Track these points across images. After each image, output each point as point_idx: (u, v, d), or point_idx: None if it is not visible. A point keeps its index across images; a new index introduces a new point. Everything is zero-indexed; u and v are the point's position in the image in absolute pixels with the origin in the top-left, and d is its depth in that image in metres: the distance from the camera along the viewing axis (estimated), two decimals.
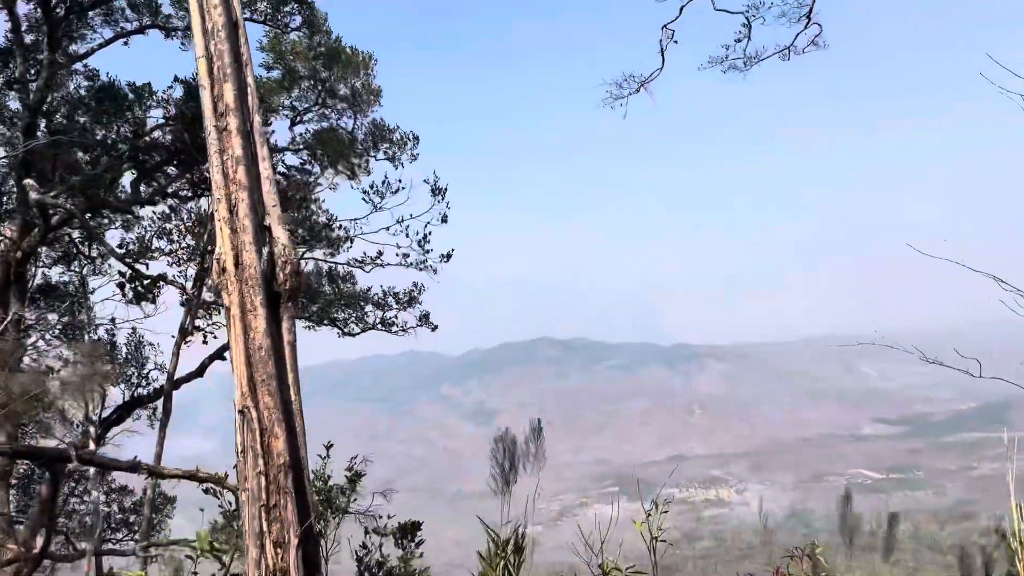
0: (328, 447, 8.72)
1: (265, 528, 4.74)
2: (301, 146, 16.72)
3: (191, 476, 13.04)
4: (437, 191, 16.29)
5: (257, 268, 5.06)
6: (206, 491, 8.83)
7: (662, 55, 16.44)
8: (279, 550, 4.74)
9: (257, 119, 5.38)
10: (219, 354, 17.77)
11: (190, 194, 16.61)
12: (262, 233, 5.22)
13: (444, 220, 16.87)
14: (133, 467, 13.55)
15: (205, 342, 16.79)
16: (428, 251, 16.19)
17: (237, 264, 5.05)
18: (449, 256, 16.59)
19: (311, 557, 4.94)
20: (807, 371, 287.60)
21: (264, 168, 5.33)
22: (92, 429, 13.48)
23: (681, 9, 16.14)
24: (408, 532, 9.14)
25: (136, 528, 17.48)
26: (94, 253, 16.80)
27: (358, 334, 19.53)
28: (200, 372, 17.76)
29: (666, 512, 5.68)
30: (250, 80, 5.42)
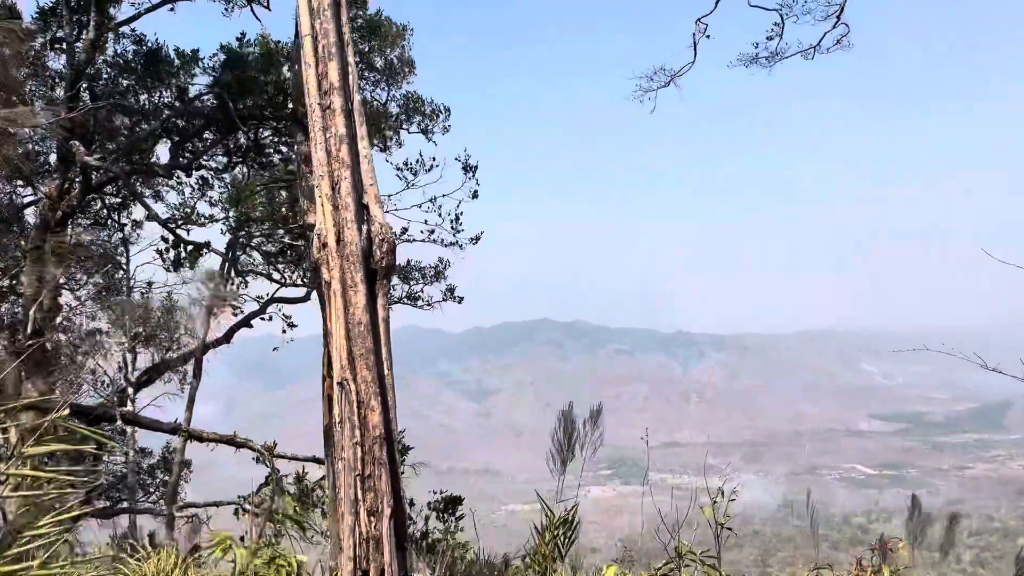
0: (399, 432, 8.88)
1: (360, 496, 4.90)
2: None
3: (229, 441, 13.29)
4: (468, 168, 16.33)
5: (358, 245, 5.19)
6: (257, 460, 8.99)
7: (694, 48, 16.45)
8: (373, 518, 4.91)
9: (357, 98, 5.49)
10: (246, 322, 17.93)
11: (226, 162, 16.69)
12: (361, 211, 5.34)
13: (475, 196, 16.90)
14: (174, 429, 13.79)
15: (235, 314, 16.94)
16: (459, 231, 16.25)
17: (339, 240, 5.18)
18: (478, 238, 16.65)
19: (400, 527, 5.11)
20: (808, 364, 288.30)
21: (363, 147, 5.44)
22: (130, 390, 13.68)
23: (716, 2, 16.12)
24: (449, 506, 9.34)
25: (152, 489, 17.74)
26: (125, 219, 16.92)
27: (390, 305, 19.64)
28: (228, 338, 17.93)
29: (733, 500, 5.84)
30: (351, 60, 5.51)
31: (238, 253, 16.08)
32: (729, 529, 5.81)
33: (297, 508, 5.53)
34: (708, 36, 16.36)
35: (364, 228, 5.30)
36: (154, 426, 12.84)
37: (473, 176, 16.30)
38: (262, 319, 16.92)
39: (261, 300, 17.36)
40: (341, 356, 5.01)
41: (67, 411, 3.29)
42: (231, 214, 14.68)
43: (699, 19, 16.30)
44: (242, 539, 7.70)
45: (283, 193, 16.52)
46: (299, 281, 16.38)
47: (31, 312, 12.17)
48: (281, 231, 16.63)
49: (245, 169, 16.03)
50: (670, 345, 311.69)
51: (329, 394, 10.76)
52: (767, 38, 15.79)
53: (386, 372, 5.21)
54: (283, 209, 16.23)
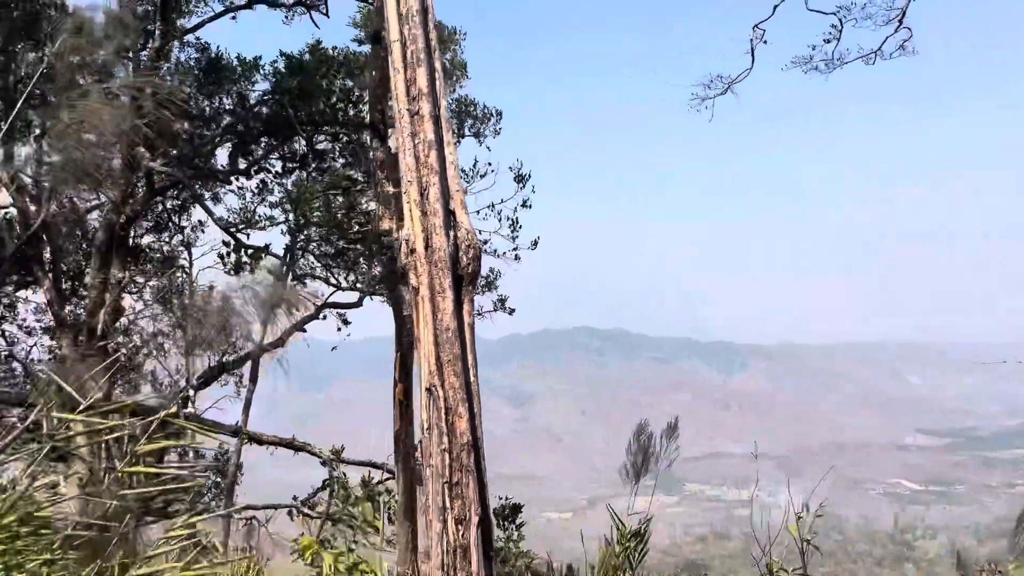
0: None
1: (448, 504, 4.88)
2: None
3: (288, 444, 13.43)
4: (520, 178, 16.27)
5: (446, 251, 5.18)
6: (323, 463, 9.02)
7: (752, 54, 16.23)
8: (460, 527, 4.88)
9: (443, 104, 5.49)
10: (300, 326, 18.13)
11: (283, 167, 16.91)
12: (448, 217, 5.33)
13: (526, 205, 16.82)
14: (235, 432, 13.97)
15: (290, 313, 17.13)
16: (516, 237, 16.20)
17: (427, 247, 5.18)
18: (536, 243, 16.56)
19: (487, 535, 5.07)
20: (852, 375, 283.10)
21: (449, 153, 5.44)
22: (192, 392, 13.90)
23: (775, 8, 15.89)
24: (512, 513, 9.29)
25: (206, 491, 17.99)
26: (186, 223, 17.25)
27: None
28: (281, 342, 18.15)
29: (820, 516, 5.70)
30: (438, 65, 5.52)
31: (296, 257, 16.28)
32: (815, 548, 5.66)
33: (376, 515, 5.51)
34: (765, 42, 16.14)
35: (451, 234, 5.29)
36: (216, 428, 13.02)
37: (525, 185, 16.24)
38: (320, 319, 17.11)
39: (316, 304, 17.56)
40: (429, 362, 5.00)
41: (174, 409, 3.30)
42: (290, 218, 14.88)
43: (756, 25, 16.09)
44: (323, 544, 7.75)
45: (339, 198, 16.70)
46: (356, 285, 16.51)
47: (101, 314, 12.41)
48: (336, 236, 16.79)
49: (303, 174, 16.24)
50: (710, 354, 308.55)
51: (400, 399, 10.86)
52: (824, 41, 15.52)
53: (472, 379, 5.19)
54: (339, 214, 16.40)
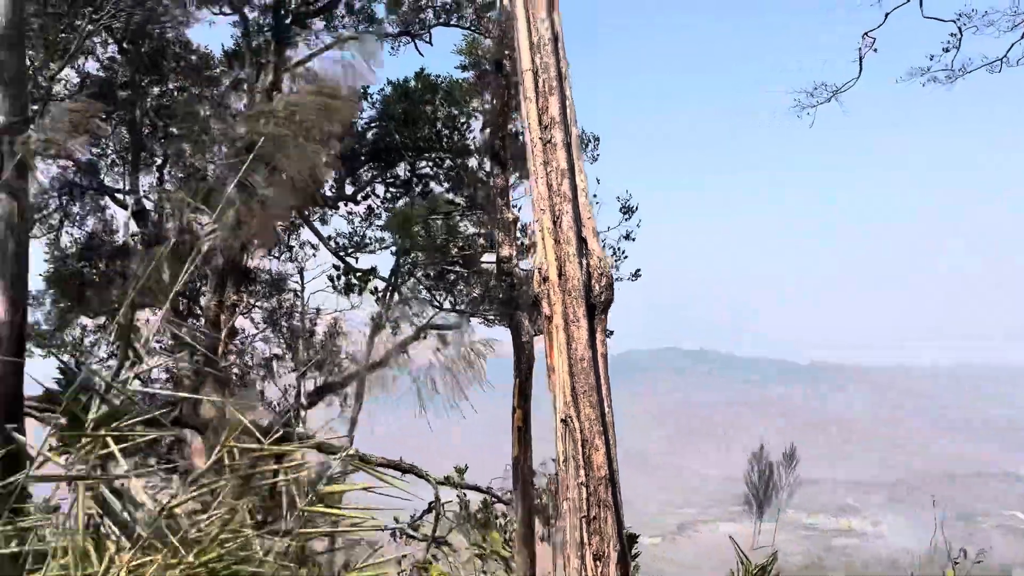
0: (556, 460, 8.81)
1: (586, 539, 4.78)
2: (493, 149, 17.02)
3: (395, 465, 13.59)
4: (627, 210, 15.99)
5: (580, 280, 5.13)
6: (443, 482, 9.06)
7: (860, 63, 15.66)
8: (598, 563, 4.77)
9: (575, 131, 5.46)
10: (402, 347, 18.42)
11: (386, 193, 17.29)
12: (581, 245, 5.28)
13: (629, 238, 16.40)
14: (398, 466, 14.23)
15: (394, 334, 17.44)
16: (618, 266, 15.93)
17: (560, 275, 5.14)
18: (638, 274, 16.15)
19: (625, 572, 4.95)
20: (958, 400, 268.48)
21: (580, 180, 5.40)
22: (301, 412, 14.28)
23: (886, 16, 15.30)
24: (629, 544, 9.08)
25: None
26: (295, 246, 17.83)
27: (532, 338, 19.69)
28: (384, 362, 18.48)
29: (979, 562, 5.34)
30: (569, 93, 5.50)
31: (401, 280, 16.58)
32: None
33: (505, 545, 5.46)
34: (875, 50, 15.59)
35: (584, 262, 5.24)
36: (327, 448, 13.30)
37: (631, 217, 15.89)
38: (421, 339, 17.34)
39: (418, 325, 17.82)
40: (565, 392, 4.94)
41: (351, 451, 3.34)
42: (397, 241, 15.19)
43: (866, 33, 15.58)
44: (425, 570, 7.76)
45: (438, 222, 16.97)
46: (459, 307, 16.67)
47: (222, 335, 12.91)
48: (438, 259, 17.04)
49: (408, 199, 16.57)
50: (805, 376, 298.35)
51: (519, 426, 10.86)
52: (943, 49, 14.87)
53: (606, 410, 5.09)
54: (441, 238, 16.65)
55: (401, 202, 16.14)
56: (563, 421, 4.94)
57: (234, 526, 2.93)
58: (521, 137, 13.85)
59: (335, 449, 14.23)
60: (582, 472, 4.85)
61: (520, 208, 16.68)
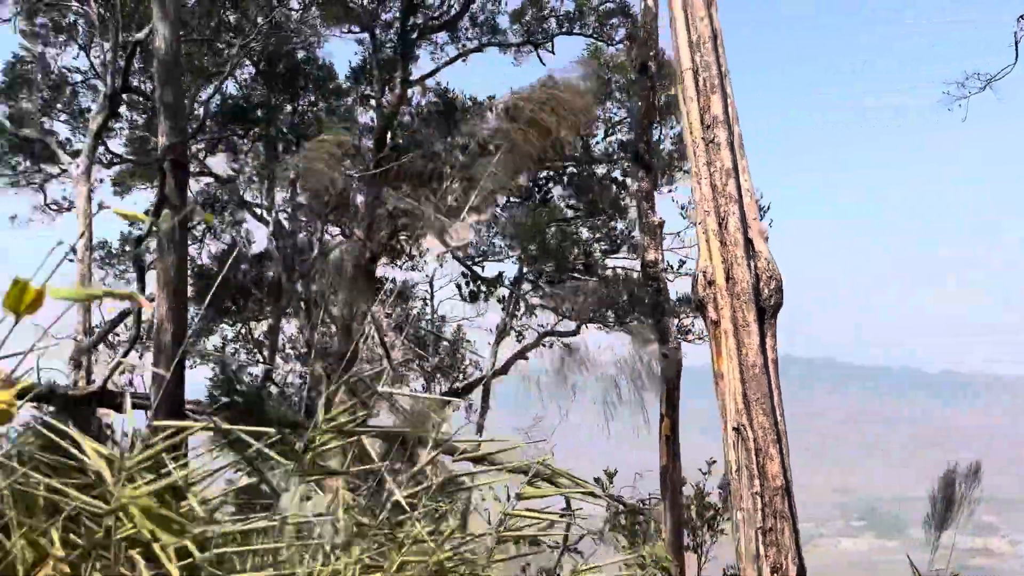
0: (711, 463, 8.59)
1: (762, 552, 4.59)
2: (616, 157, 16.92)
3: (523, 471, 13.62)
4: (759, 209, 15.51)
5: (748, 283, 4.96)
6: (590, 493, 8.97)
7: (1015, 48, 14.63)
8: None
9: (737, 131, 5.30)
10: (522, 354, 18.52)
11: (507, 201, 17.43)
12: (748, 247, 5.12)
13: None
14: (478, 459, 14.42)
15: (518, 340, 17.56)
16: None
17: (728, 278, 4.98)
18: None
19: None
20: None
21: (744, 180, 5.24)
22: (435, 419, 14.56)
23: None
24: None
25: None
26: (420, 254, 18.25)
27: (653, 341, 19.38)
28: (505, 370, 18.63)
29: None
30: (730, 91, 5.36)
31: (523, 287, 16.69)
32: None
33: (668, 556, 5.34)
34: None
35: (751, 264, 5.07)
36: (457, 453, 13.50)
37: (763, 216, 15.51)
38: (544, 345, 17.38)
39: (539, 332, 17.87)
40: (736, 400, 4.78)
41: (547, 455, 3.32)
42: (520, 247, 15.31)
43: (1021, 16, 14.58)
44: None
45: (551, 228, 17.00)
46: (583, 315, 16.62)
47: (360, 343, 13.31)
48: (559, 266, 17.06)
49: (530, 206, 16.67)
50: (935, 386, 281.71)
51: (667, 434, 10.70)
52: None
53: (779, 418, 4.89)
54: (563, 245, 16.67)
55: (517, 209, 16.25)
56: (735, 429, 4.78)
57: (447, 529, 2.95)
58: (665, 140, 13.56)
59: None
60: (756, 482, 4.67)
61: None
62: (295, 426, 2.49)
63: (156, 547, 2.15)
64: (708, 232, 5.10)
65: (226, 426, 2.12)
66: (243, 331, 17.43)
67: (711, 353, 5.09)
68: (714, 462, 8.73)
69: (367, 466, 2.79)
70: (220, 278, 17.78)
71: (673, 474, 8.22)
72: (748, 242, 5.14)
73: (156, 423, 2.15)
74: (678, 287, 16.82)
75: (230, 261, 16.66)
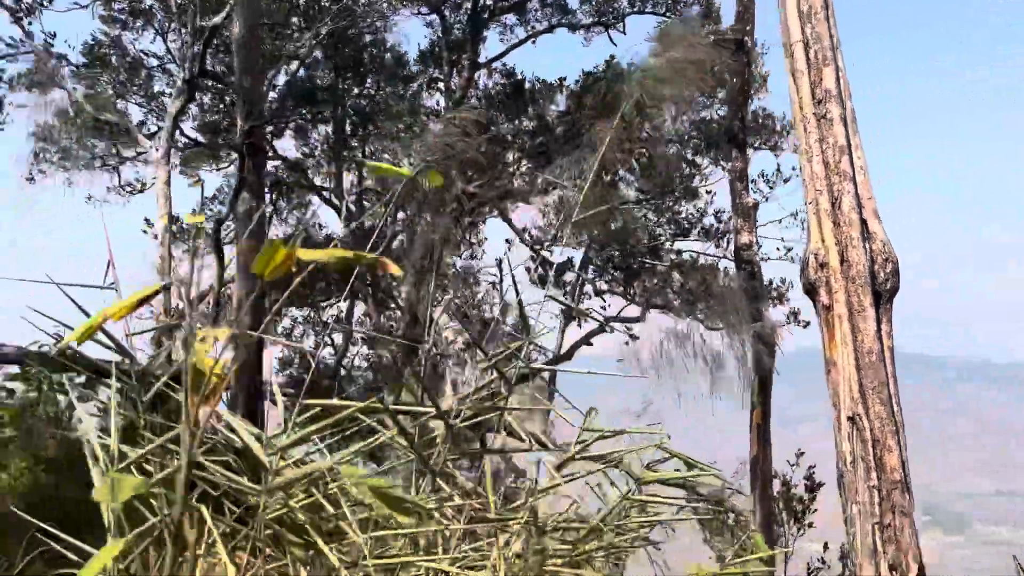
0: (799, 455, 8.32)
1: (880, 548, 4.37)
2: (686, 136, 16.52)
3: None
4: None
5: (864, 266, 4.71)
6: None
7: None
8: (894, 574, 4.35)
9: (850, 106, 5.04)
10: (587, 339, 18.31)
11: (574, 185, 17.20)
12: (863, 227, 4.87)
13: None
14: (544, 444, 14.36)
15: (579, 326, 17.39)
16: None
17: (842, 261, 4.74)
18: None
19: None
20: None
21: (858, 158, 4.97)
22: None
23: None
24: None
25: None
26: (475, 238, 18.20)
27: (720, 329, 18.99)
28: (568, 355, 18.46)
29: None
30: (841, 64, 5.09)
31: (588, 272, 16.48)
32: None
33: (768, 549, 5.12)
34: None
35: (867, 246, 4.81)
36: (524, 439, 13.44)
37: None
38: (607, 330, 17.14)
39: (602, 318, 17.64)
40: (852, 389, 4.55)
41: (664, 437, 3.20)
42: (589, 233, 15.09)
43: None
44: None
45: (614, 214, 16.71)
46: (653, 300, 16.35)
47: (432, 328, 13.31)
48: (627, 251, 16.79)
49: (598, 189, 16.40)
50: (1003, 377, 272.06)
51: (758, 423, 10.45)
52: None
53: (895, 408, 4.65)
54: (629, 228, 16.39)
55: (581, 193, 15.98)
56: (850, 419, 4.55)
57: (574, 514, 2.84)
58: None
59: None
60: (873, 475, 4.45)
61: (715, 194, 15.98)
62: (437, 408, 2.39)
63: (309, 529, 2.08)
64: (820, 212, 4.86)
65: (392, 406, 2.04)
66: (311, 314, 17.63)
67: (822, 339, 4.87)
68: (802, 453, 8.44)
69: (510, 448, 2.69)
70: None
71: (763, 465, 7.95)
72: (863, 222, 4.89)
73: (308, 402, 2.07)
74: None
75: (294, 241, 16.83)
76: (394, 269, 0.97)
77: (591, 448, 3.37)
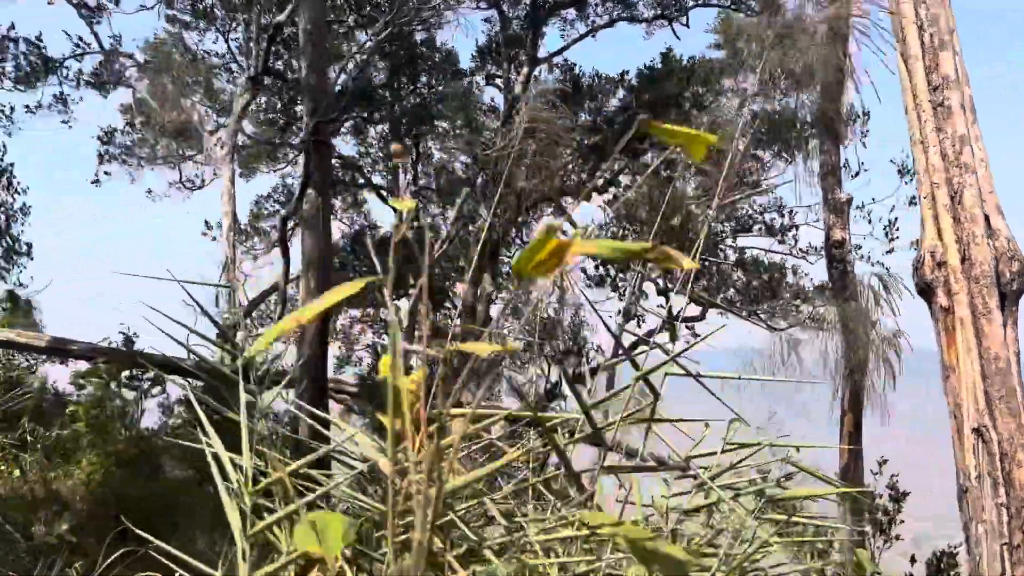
0: (882, 463, 7.94)
1: (1008, 570, 4.03)
2: (750, 130, 16.02)
3: (659, 461, 13.19)
4: (905, 171, 14.23)
5: (990, 265, 4.37)
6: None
7: None
8: None
9: (968, 92, 4.69)
10: (643, 339, 17.95)
11: (632, 180, 16.89)
12: (986, 223, 4.52)
13: (913, 203, 14.63)
14: (608, 447, 14.10)
15: (639, 326, 17.05)
16: (895, 238, 14.17)
17: (963, 259, 4.40)
18: (918, 243, 14.39)
19: None
20: None
21: (979, 149, 4.62)
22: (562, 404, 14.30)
23: None
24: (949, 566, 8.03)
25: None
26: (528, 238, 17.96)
27: (784, 329, 18.43)
28: (628, 353, 18.12)
29: None
30: (958, 48, 4.74)
31: (645, 270, 16.15)
32: None
33: (871, 566, 4.81)
34: None
35: (990, 244, 4.47)
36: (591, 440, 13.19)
37: (911, 181, 14.34)
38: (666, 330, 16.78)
39: (662, 317, 17.28)
40: (977, 398, 4.22)
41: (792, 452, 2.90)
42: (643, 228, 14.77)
43: None
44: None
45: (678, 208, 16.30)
46: (729, 301, 15.94)
47: (484, 326, 13.13)
48: (677, 247, 16.38)
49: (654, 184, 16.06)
50: None
51: (850, 431, 10.04)
52: None
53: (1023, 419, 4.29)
54: (683, 225, 16.00)
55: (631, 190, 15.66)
56: (975, 431, 4.22)
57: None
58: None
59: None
60: (1001, 491, 4.11)
61: (775, 190, 15.53)
62: (592, 425, 2.16)
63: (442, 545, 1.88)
64: (937, 207, 4.53)
65: (543, 414, 1.81)
66: (369, 312, 17.59)
67: (940, 343, 4.53)
68: (886, 461, 8.03)
69: (664, 466, 2.45)
70: (344, 258, 17.99)
71: (854, 474, 7.60)
72: (986, 218, 4.54)
73: (455, 412, 1.87)
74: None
75: (349, 238, 16.82)
76: (687, 264, 0.76)
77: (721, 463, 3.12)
